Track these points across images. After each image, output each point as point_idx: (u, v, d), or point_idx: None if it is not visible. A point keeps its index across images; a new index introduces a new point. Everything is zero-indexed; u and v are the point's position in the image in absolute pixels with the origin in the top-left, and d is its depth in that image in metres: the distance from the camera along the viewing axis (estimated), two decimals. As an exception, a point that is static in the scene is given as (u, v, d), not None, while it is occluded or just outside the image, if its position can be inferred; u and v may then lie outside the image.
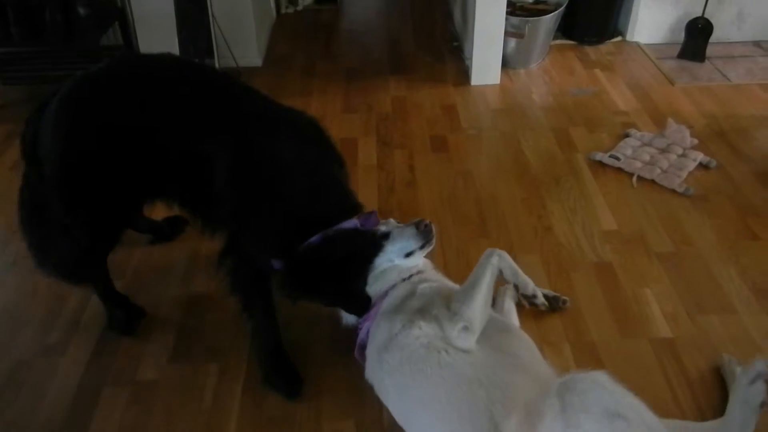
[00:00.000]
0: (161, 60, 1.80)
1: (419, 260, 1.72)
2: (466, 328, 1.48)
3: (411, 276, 1.67)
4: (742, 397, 1.42)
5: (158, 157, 1.69)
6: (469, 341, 1.49)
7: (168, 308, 2.03)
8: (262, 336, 1.80)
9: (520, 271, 1.74)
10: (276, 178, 1.67)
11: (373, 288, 1.68)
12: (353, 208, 1.74)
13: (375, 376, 1.59)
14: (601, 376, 1.31)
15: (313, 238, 1.63)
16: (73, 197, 1.74)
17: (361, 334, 1.68)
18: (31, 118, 1.73)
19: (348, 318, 1.76)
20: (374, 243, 1.65)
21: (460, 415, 1.38)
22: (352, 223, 1.69)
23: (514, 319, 1.84)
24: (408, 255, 1.67)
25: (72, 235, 1.80)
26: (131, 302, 1.99)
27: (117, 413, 1.71)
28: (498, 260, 1.64)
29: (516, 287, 1.74)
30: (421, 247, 1.67)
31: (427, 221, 1.67)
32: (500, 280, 1.73)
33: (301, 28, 4.08)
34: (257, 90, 1.81)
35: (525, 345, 1.57)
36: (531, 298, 1.74)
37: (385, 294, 1.65)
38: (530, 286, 1.76)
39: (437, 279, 1.70)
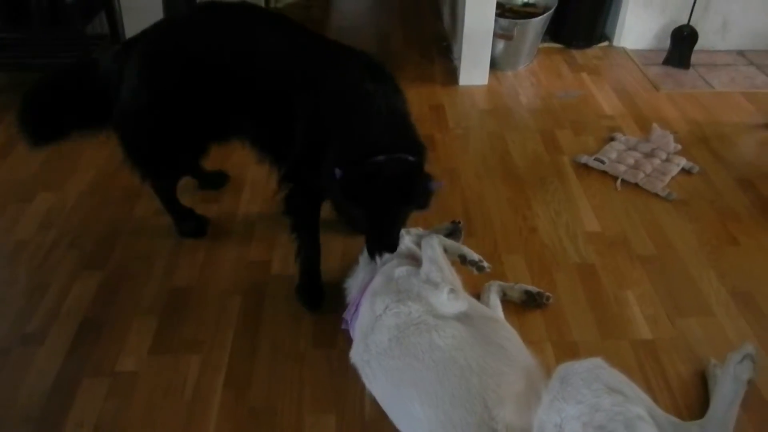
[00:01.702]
0: (243, 6, 1.95)
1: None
2: (452, 290, 1.55)
3: (385, 264, 1.75)
4: (733, 373, 1.57)
5: (239, 94, 1.84)
6: (460, 303, 1.56)
7: (149, 300, 2.01)
8: (304, 254, 1.96)
9: (458, 244, 1.83)
10: (354, 106, 1.76)
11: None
12: (420, 148, 1.77)
13: (360, 360, 1.60)
14: (599, 361, 1.39)
15: (380, 157, 1.67)
16: (155, 128, 1.92)
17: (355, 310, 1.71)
18: (118, 55, 1.92)
19: (350, 285, 1.83)
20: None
21: (453, 399, 1.39)
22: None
23: (500, 314, 1.87)
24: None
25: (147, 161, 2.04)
26: (196, 213, 2.27)
27: (96, 404, 1.69)
28: (437, 240, 1.72)
29: (462, 257, 1.77)
30: (448, 235, 1.90)
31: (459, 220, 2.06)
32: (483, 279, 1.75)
33: (291, 23, 4.06)
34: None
35: (510, 336, 1.61)
36: (478, 263, 1.77)
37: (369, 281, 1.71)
38: (474, 254, 1.79)
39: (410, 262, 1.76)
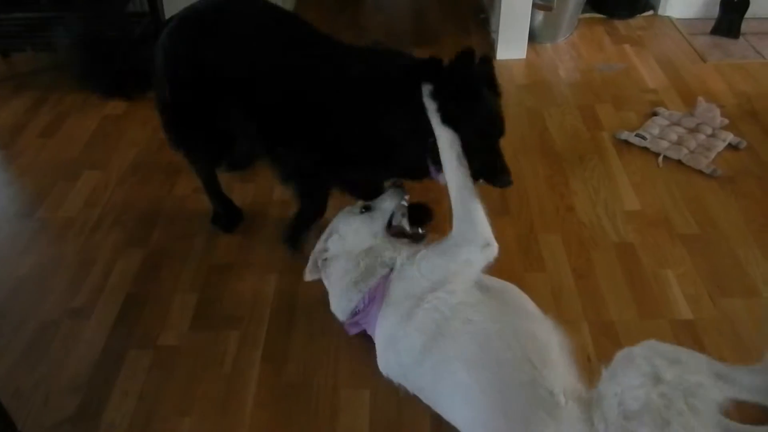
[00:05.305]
0: (255, 3, 1.93)
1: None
2: (487, 245, 1.60)
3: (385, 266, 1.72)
4: None
5: (242, 91, 1.82)
6: (493, 251, 1.61)
7: (189, 277, 2.06)
8: (300, 216, 2.04)
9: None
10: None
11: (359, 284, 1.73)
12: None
13: (392, 371, 1.64)
14: (654, 342, 1.40)
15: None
16: (178, 118, 1.96)
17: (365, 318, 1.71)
18: (157, 31, 1.93)
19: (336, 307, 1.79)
20: None
21: (500, 362, 1.42)
22: None
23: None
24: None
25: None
26: (234, 205, 2.26)
27: (139, 376, 1.76)
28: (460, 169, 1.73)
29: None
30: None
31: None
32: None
33: (327, -2, 4.03)
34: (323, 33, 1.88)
35: (522, 295, 1.64)
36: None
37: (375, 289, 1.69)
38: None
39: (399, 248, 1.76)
